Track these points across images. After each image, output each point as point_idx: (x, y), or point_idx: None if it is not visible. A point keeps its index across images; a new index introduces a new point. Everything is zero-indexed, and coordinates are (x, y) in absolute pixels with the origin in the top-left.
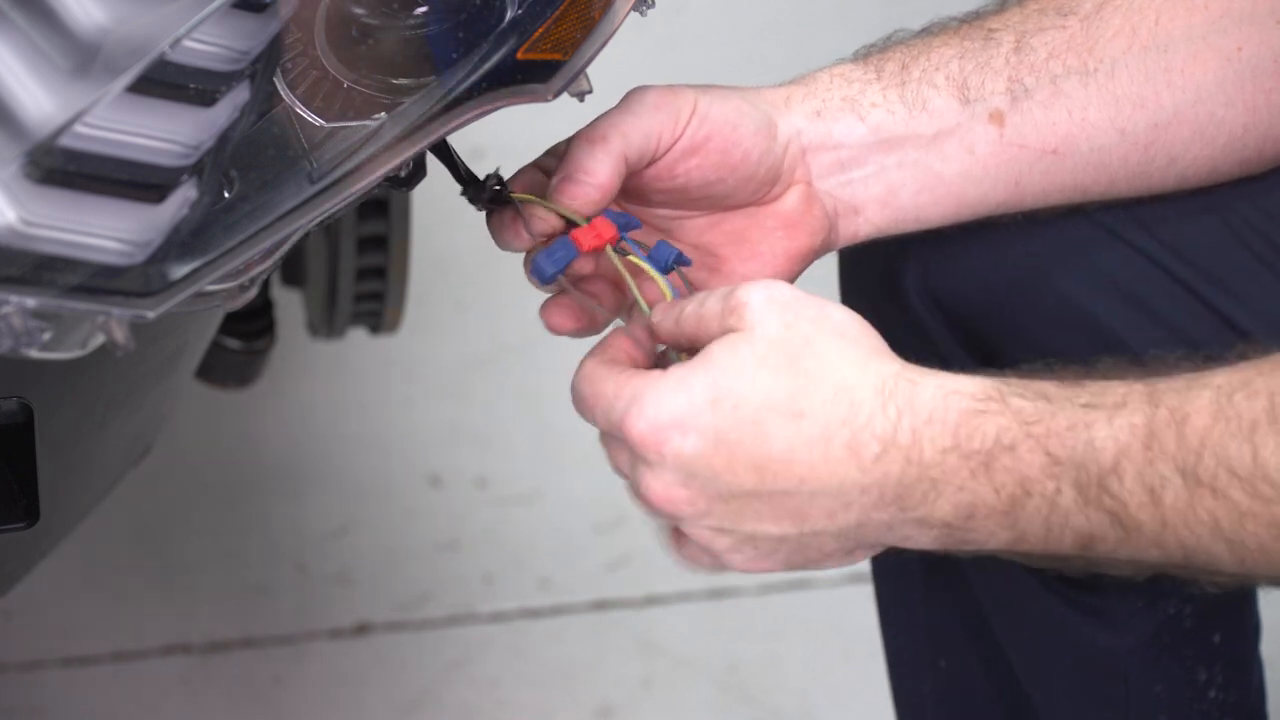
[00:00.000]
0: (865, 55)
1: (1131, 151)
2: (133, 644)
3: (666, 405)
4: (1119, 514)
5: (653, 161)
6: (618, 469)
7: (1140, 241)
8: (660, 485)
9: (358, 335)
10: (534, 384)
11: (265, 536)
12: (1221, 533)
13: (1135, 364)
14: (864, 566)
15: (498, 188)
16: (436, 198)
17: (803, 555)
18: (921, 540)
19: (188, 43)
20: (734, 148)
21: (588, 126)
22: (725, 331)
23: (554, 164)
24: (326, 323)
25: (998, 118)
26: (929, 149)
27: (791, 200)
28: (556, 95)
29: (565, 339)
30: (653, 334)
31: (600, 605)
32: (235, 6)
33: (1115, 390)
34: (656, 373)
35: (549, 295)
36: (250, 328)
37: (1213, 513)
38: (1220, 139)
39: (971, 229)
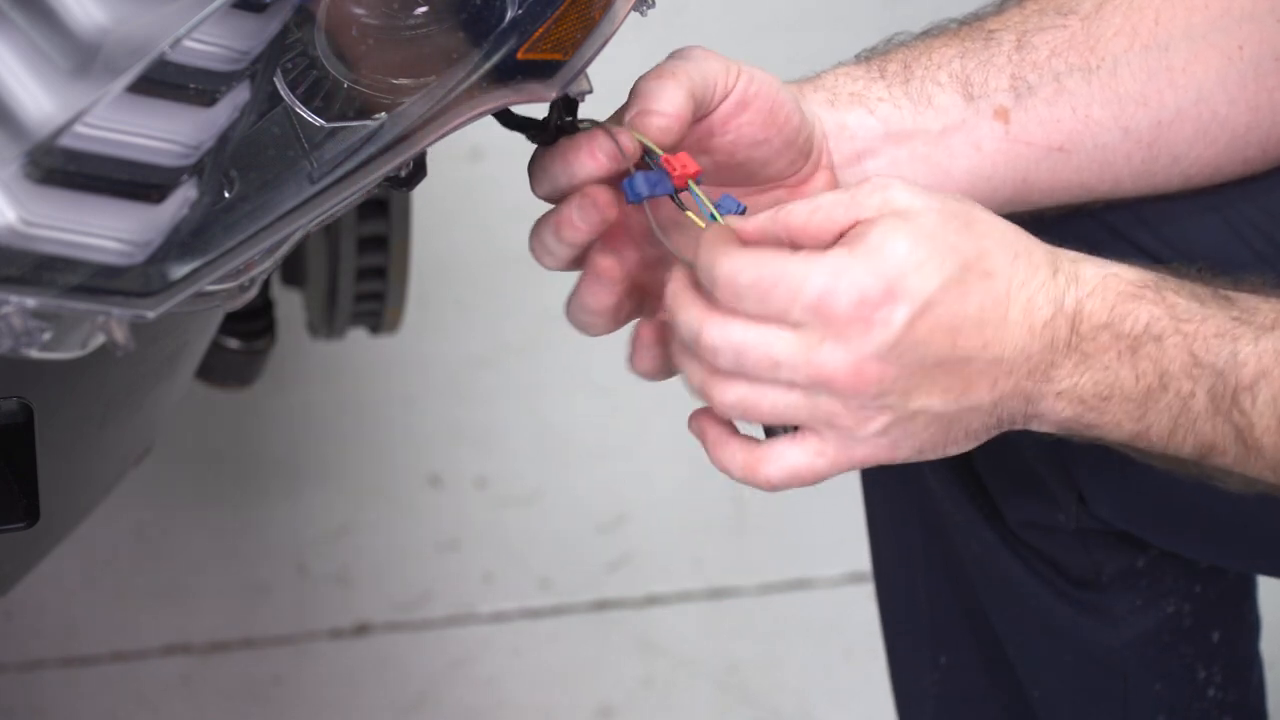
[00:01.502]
0: (866, 58)
1: (1135, 149)
2: (133, 644)
3: (874, 274)
4: (1244, 431)
5: (707, 114)
6: (770, 355)
7: (1144, 240)
8: (852, 360)
9: (358, 335)
10: (534, 384)
11: (265, 536)
12: None
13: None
14: (864, 566)
15: (569, 118)
16: (436, 198)
17: (945, 436)
18: (1052, 419)
19: (188, 43)
20: (779, 108)
21: (650, 72)
22: (870, 214)
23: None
24: (326, 323)
25: (1002, 114)
26: (937, 144)
27: (819, 185)
28: (557, 95)
29: (565, 340)
30: (739, 233)
31: (600, 605)
32: (235, 6)
33: (1265, 311)
34: (834, 250)
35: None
36: (250, 328)
37: None
38: (1223, 138)
39: None
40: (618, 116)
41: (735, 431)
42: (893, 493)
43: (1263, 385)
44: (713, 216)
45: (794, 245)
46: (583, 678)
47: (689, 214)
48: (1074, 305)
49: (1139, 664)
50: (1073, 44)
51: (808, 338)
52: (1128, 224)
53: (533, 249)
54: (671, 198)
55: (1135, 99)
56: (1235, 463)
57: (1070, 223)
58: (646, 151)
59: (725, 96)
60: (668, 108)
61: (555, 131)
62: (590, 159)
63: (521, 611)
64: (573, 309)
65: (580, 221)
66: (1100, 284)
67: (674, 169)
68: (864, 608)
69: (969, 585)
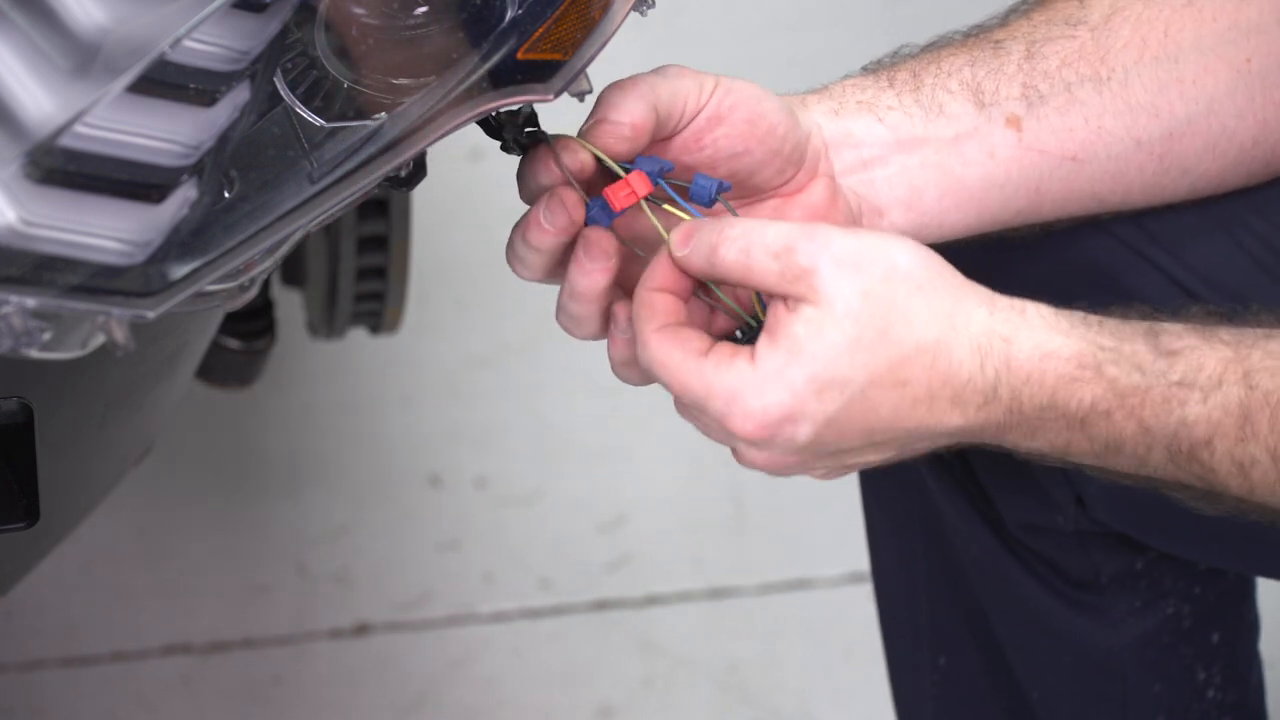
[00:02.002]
0: (873, 69)
1: (1147, 161)
2: (133, 644)
3: (773, 402)
4: (1208, 478)
5: (678, 131)
6: (706, 434)
7: (1160, 260)
8: (766, 458)
9: (358, 335)
10: (534, 384)
11: (265, 536)
12: None
13: (1220, 317)
14: (864, 566)
15: (530, 129)
16: (436, 198)
17: (900, 456)
18: (1018, 451)
19: (188, 43)
20: (760, 119)
21: (617, 80)
22: (790, 298)
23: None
24: (326, 323)
25: (1014, 122)
26: (950, 151)
27: (817, 193)
28: (556, 95)
29: (565, 340)
30: (681, 267)
31: (600, 605)
32: (235, 6)
33: (1210, 366)
34: (742, 363)
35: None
36: (250, 328)
37: None
38: (1231, 151)
39: (991, 246)
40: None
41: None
42: (892, 495)
43: (1218, 441)
44: (693, 199)
45: (735, 285)
46: (583, 678)
47: (656, 224)
48: (1009, 395)
49: (1138, 665)
50: (1083, 54)
51: (728, 435)
52: (1141, 244)
53: (508, 259)
54: (647, 200)
55: (1147, 110)
56: (1203, 498)
57: (1080, 243)
58: (602, 163)
59: (698, 112)
60: (624, 117)
61: (519, 145)
62: (548, 173)
63: (521, 611)
64: (562, 300)
65: (547, 224)
66: (1035, 368)
67: (614, 200)
68: (864, 608)
69: (968, 587)
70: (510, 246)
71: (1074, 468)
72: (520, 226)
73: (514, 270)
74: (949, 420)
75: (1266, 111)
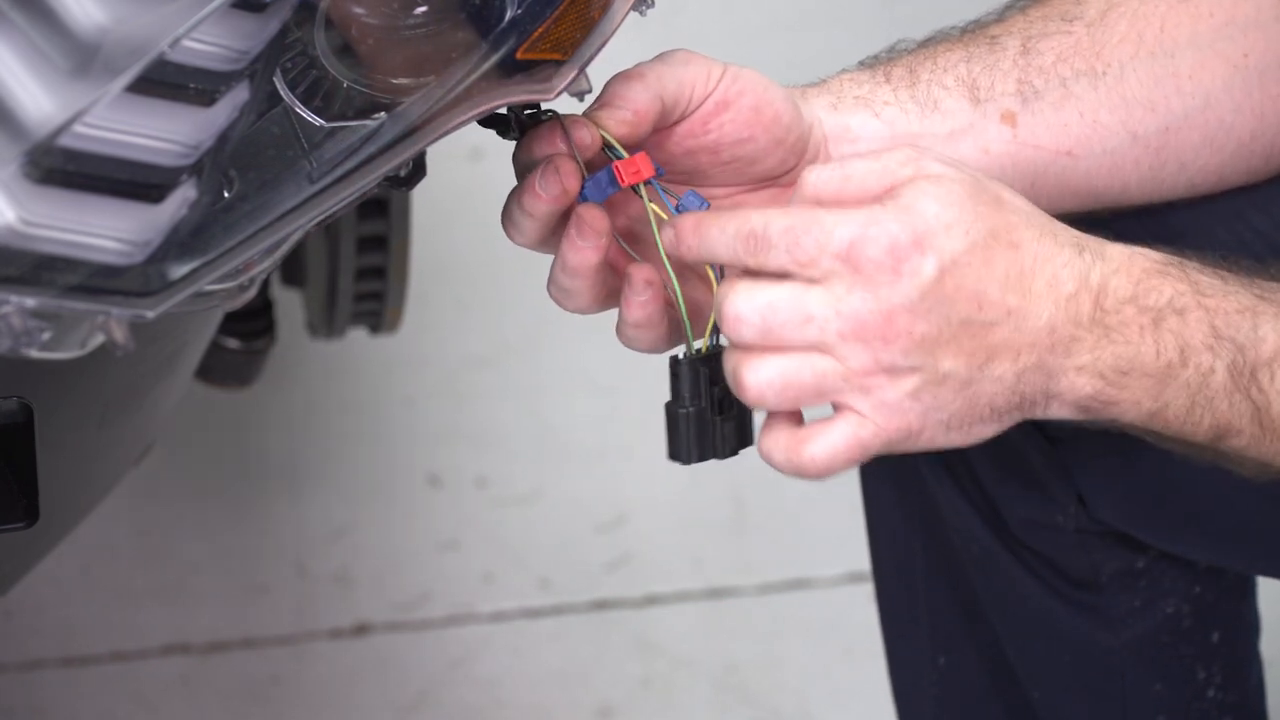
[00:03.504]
0: (870, 64)
1: (1144, 155)
2: (133, 644)
3: (904, 226)
4: (1262, 410)
5: (685, 116)
6: (800, 308)
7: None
8: (882, 309)
9: (358, 335)
10: (534, 384)
11: (265, 536)
12: None
13: None
14: (864, 566)
15: (532, 111)
16: (436, 198)
17: (972, 410)
18: (1071, 397)
19: (187, 43)
20: (766, 106)
21: (625, 69)
22: (902, 181)
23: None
24: (326, 323)
25: (1009, 118)
26: (944, 147)
27: None
28: (556, 95)
29: (565, 340)
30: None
31: (600, 605)
32: (235, 6)
33: None
34: (865, 205)
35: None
36: (250, 328)
37: None
38: (1229, 145)
39: None
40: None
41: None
42: (892, 495)
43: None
44: (678, 211)
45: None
46: (582, 678)
47: (651, 208)
48: (1099, 280)
49: (1138, 664)
50: (1078, 50)
51: (835, 289)
52: (1137, 237)
53: (503, 223)
54: (636, 192)
55: (1143, 105)
56: (1250, 444)
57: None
58: (607, 146)
59: (705, 98)
60: (628, 104)
61: (520, 126)
62: (550, 147)
63: (521, 611)
64: (554, 273)
65: (541, 190)
66: (1125, 261)
67: (621, 174)
68: (864, 608)
69: (969, 586)
70: (505, 211)
71: (1119, 421)
72: (516, 192)
73: (508, 235)
74: (1041, 309)
75: (1264, 106)
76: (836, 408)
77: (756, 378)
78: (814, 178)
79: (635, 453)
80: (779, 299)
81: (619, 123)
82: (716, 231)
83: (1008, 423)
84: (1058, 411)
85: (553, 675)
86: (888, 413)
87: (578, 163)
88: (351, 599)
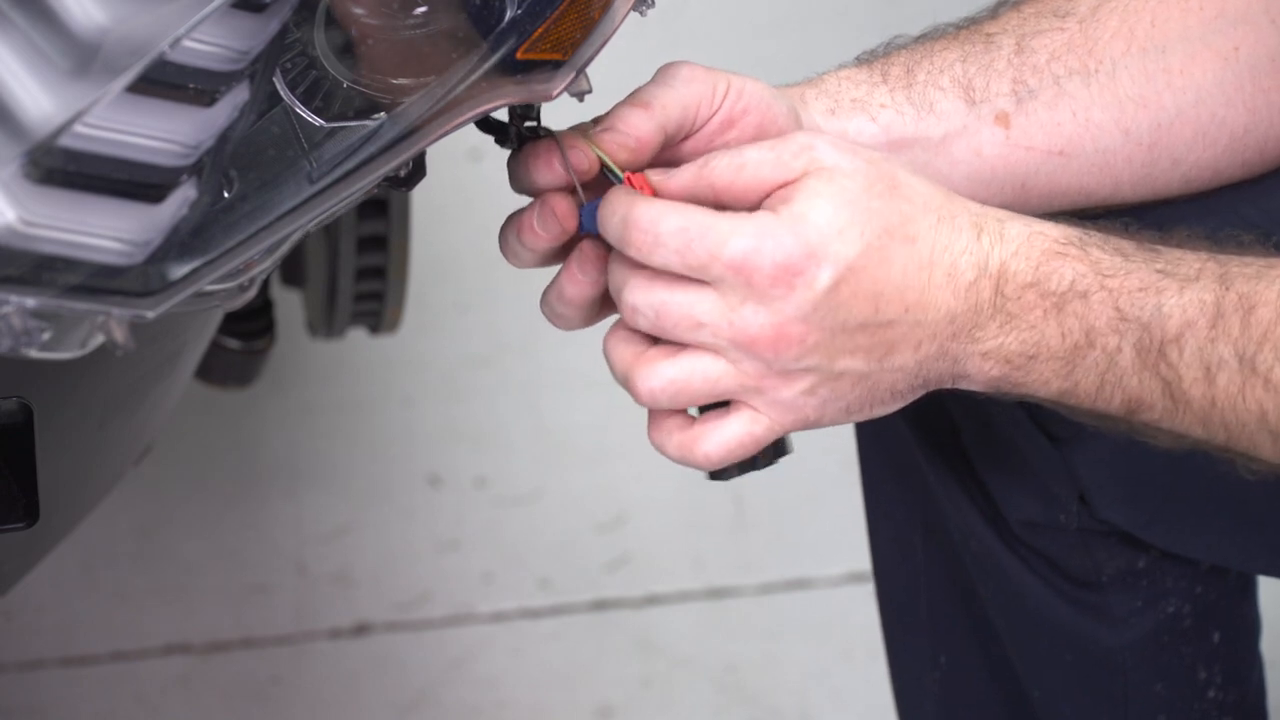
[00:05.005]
0: (868, 60)
1: (1136, 152)
2: (133, 644)
3: (797, 238)
4: (1172, 384)
5: (691, 134)
6: (691, 314)
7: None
8: (774, 322)
9: (358, 335)
10: (534, 384)
11: (265, 536)
12: (1268, 424)
13: (1208, 239)
14: (864, 566)
15: (533, 123)
16: (436, 198)
17: (870, 396)
18: (979, 378)
19: (187, 43)
20: (770, 124)
21: (631, 94)
22: (788, 182)
23: (590, 126)
24: (326, 323)
25: (1003, 119)
26: (938, 151)
27: None
28: (556, 95)
29: (564, 340)
30: (664, 190)
31: (600, 605)
32: (235, 6)
33: (1190, 263)
34: (758, 212)
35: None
36: (250, 328)
37: (1262, 404)
38: (1222, 139)
39: None
40: (582, 129)
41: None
42: (892, 494)
43: (1188, 337)
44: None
45: (718, 203)
46: (582, 678)
47: None
48: (998, 266)
49: (1139, 664)
50: (1071, 47)
51: (729, 298)
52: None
53: (500, 247)
54: None
55: (1135, 101)
56: (1163, 417)
57: None
58: (605, 167)
59: (710, 117)
60: (631, 130)
61: (518, 138)
62: (548, 169)
63: (521, 611)
64: (550, 299)
65: (540, 229)
66: (1025, 242)
67: None
68: (864, 608)
69: (969, 585)
70: (503, 238)
71: (1030, 398)
72: (514, 224)
73: (506, 258)
74: (941, 301)
75: (1256, 99)
76: (730, 402)
77: (648, 385)
78: (712, 165)
79: (635, 453)
80: (672, 302)
81: (619, 147)
82: (607, 212)
83: (911, 399)
84: (966, 388)
85: (553, 675)
86: (782, 409)
87: (577, 192)
88: (351, 599)
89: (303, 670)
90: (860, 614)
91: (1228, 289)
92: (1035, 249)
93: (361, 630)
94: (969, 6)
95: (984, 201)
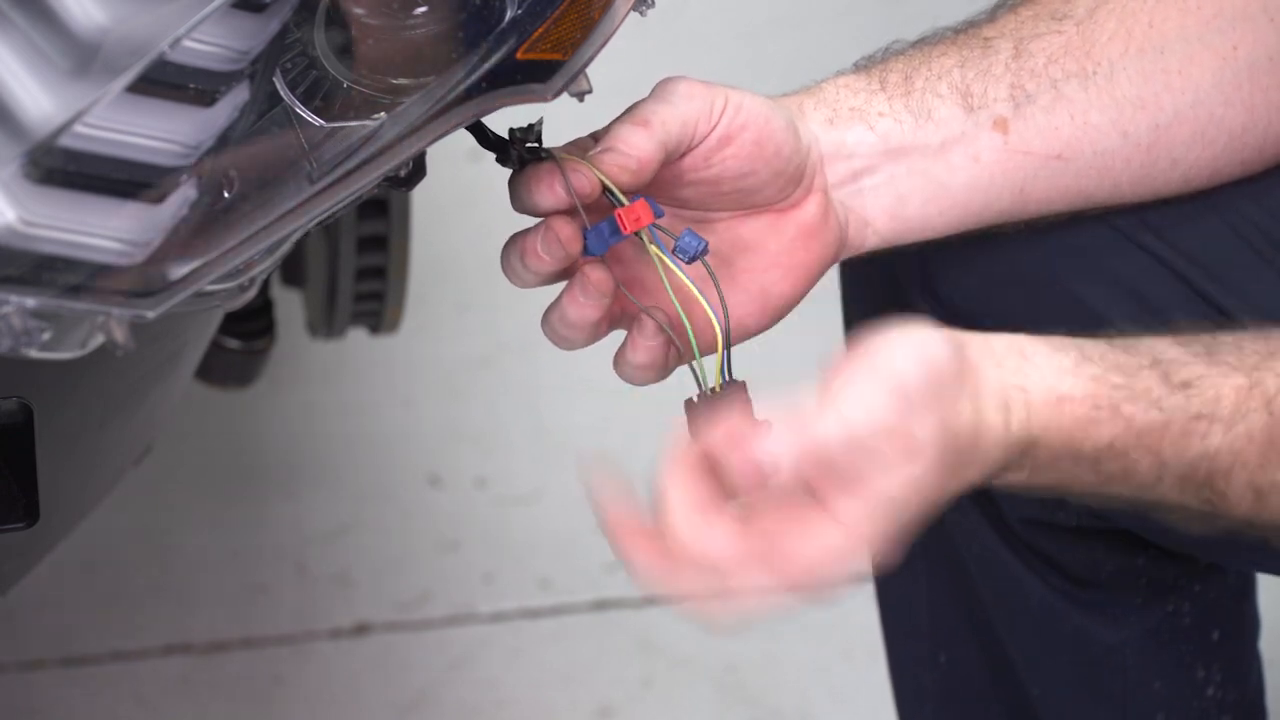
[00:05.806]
0: (866, 66)
1: (1134, 154)
2: (133, 644)
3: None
4: (1215, 502)
5: (689, 150)
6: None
7: (1147, 243)
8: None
9: (358, 335)
10: (534, 384)
11: (265, 536)
12: None
13: (1214, 327)
14: (864, 566)
15: (535, 144)
16: (436, 198)
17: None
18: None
19: (187, 43)
20: (768, 140)
21: (628, 111)
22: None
23: (589, 144)
24: (326, 323)
25: (1002, 125)
26: (936, 159)
27: (811, 209)
28: (556, 95)
29: None
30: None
31: (600, 605)
32: (235, 6)
33: (1227, 396)
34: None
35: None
36: (250, 328)
37: None
38: (1221, 139)
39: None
40: (581, 146)
41: None
42: None
43: (1238, 470)
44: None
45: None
46: (582, 678)
47: (658, 256)
48: (1028, 441)
49: (1138, 662)
50: (1069, 50)
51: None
52: (1131, 228)
53: (503, 268)
54: (639, 237)
55: (1133, 103)
56: (1202, 521)
57: (1074, 228)
58: (606, 190)
59: (708, 134)
60: (632, 150)
61: (520, 160)
62: (550, 192)
63: (521, 611)
64: (552, 320)
65: (544, 254)
66: (1054, 415)
67: (624, 222)
68: (864, 608)
69: (969, 584)
70: (506, 259)
71: (1061, 497)
72: (517, 247)
73: (508, 279)
74: (971, 476)
75: (1254, 99)
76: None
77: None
78: (820, 444)
79: (635, 453)
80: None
81: (621, 169)
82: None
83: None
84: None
85: (553, 675)
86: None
87: (579, 215)
88: (351, 599)
89: (303, 670)
90: (860, 614)
91: (1273, 415)
92: (1065, 419)
93: (362, 630)
94: (969, 7)
95: (982, 207)
